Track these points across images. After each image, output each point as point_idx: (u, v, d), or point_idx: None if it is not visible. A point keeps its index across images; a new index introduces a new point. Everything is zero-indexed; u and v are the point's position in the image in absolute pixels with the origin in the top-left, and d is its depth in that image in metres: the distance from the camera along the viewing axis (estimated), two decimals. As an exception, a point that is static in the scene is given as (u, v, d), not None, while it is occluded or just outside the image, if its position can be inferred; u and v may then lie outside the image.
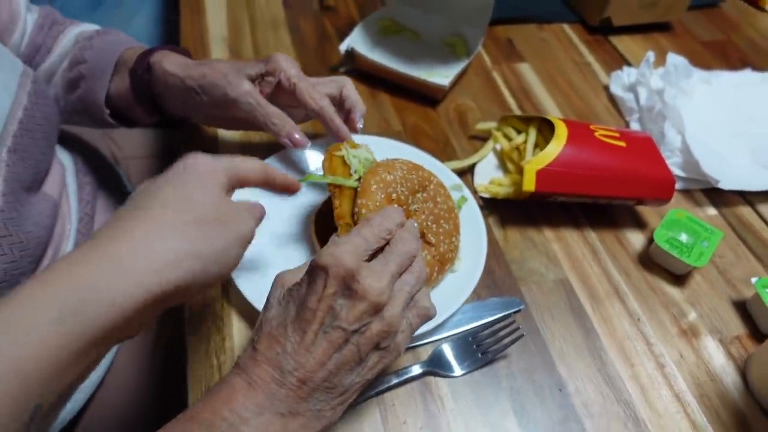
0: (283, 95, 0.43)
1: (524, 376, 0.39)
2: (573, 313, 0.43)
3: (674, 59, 0.58)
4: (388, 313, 0.28)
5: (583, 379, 0.39)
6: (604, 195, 0.46)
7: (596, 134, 0.47)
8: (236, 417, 0.26)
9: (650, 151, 0.48)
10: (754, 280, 0.43)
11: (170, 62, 0.43)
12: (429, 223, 0.40)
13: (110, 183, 0.56)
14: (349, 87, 0.45)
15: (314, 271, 0.28)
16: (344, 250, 0.27)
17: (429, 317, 0.31)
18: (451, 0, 0.59)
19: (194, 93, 0.42)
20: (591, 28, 0.70)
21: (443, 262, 0.39)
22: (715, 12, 0.77)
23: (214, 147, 0.50)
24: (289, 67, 0.42)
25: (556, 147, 0.45)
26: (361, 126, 0.45)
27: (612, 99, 0.61)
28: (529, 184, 0.44)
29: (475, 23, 0.59)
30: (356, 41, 0.59)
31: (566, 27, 0.71)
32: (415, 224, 0.32)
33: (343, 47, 0.58)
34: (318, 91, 0.43)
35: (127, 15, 0.92)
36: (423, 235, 0.39)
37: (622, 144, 0.47)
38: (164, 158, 0.66)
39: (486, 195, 0.48)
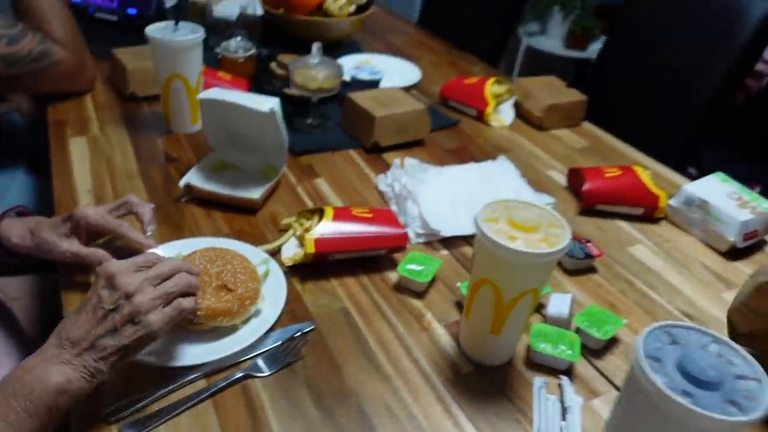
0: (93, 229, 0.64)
1: (316, 370, 0.58)
2: (350, 328, 0.64)
3: (410, 161, 0.88)
4: (136, 300, 0.48)
5: (357, 367, 0.59)
6: (362, 248, 0.70)
7: (353, 212, 0.72)
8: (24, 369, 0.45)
9: (390, 218, 0.73)
10: (458, 284, 0.68)
11: (15, 234, 0.63)
12: (228, 276, 0.60)
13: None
14: (131, 199, 0.67)
15: (96, 276, 0.49)
16: (113, 263, 0.49)
17: (181, 310, 0.52)
18: (258, 147, 0.86)
19: (34, 252, 0.62)
20: (367, 149, 0.99)
21: (242, 299, 0.60)
22: (455, 129, 1.11)
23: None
24: (92, 213, 0.63)
25: (326, 223, 0.69)
26: (151, 229, 0.67)
27: (380, 193, 0.88)
28: (310, 248, 0.67)
29: (278, 156, 0.85)
30: (192, 177, 0.82)
31: (351, 151, 1.00)
32: (196, 270, 0.55)
33: (182, 183, 0.80)
34: (111, 218, 0.64)
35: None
36: (225, 285, 0.60)
37: (370, 215, 0.72)
38: (46, 297, 0.81)
39: (290, 263, 0.70)
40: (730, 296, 0.75)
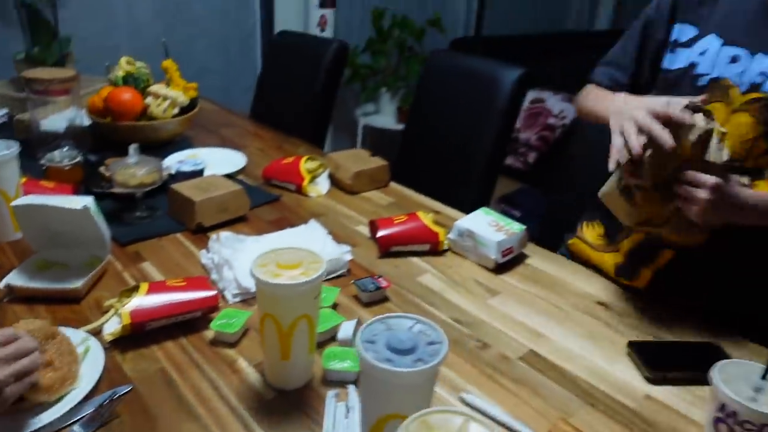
0: None
1: (132, 425, 0.66)
2: (167, 385, 0.72)
3: (225, 234, 1.00)
4: None
5: (172, 416, 0.68)
6: (176, 313, 0.80)
7: (167, 284, 0.83)
8: None
9: (202, 284, 0.84)
10: (263, 328, 0.79)
11: None
12: (57, 355, 0.68)
13: None
14: None
15: None
16: None
17: (30, 384, 0.60)
18: (80, 242, 0.94)
19: None
20: (193, 231, 1.10)
21: (64, 379, 0.67)
22: (277, 203, 1.26)
23: None
24: None
25: (140, 297, 0.79)
26: None
27: (203, 266, 0.99)
28: (126, 320, 0.76)
29: (101, 248, 0.93)
30: (12, 278, 0.88)
31: (179, 235, 1.10)
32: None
33: (1, 284, 0.86)
34: None
35: None
36: (52, 362, 0.67)
37: (184, 284, 0.83)
38: None
39: (111, 338, 0.78)
40: (494, 302, 0.94)
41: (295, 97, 1.82)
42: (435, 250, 1.07)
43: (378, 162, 1.37)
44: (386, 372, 0.52)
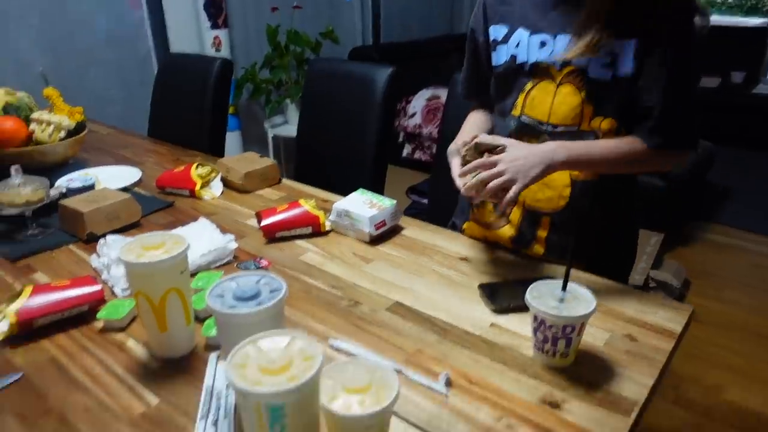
0: None
1: (21, 404, 0.72)
2: (58, 370, 0.78)
3: (111, 237, 1.06)
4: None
5: (62, 392, 0.74)
6: (62, 309, 0.86)
7: (52, 284, 0.88)
8: None
9: (87, 281, 0.90)
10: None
11: None
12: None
13: None
14: None
15: None
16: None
17: None
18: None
19: None
20: (85, 241, 1.15)
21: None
22: (171, 209, 1.32)
23: None
24: None
25: (23, 297, 0.84)
26: None
27: (95, 269, 1.04)
28: (12, 319, 0.81)
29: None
30: None
31: (72, 246, 1.15)
32: None
33: None
34: None
35: None
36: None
37: (68, 283, 0.89)
38: None
39: (1, 338, 0.83)
40: (368, 268, 1.05)
41: (187, 113, 1.88)
42: (317, 231, 1.17)
43: (267, 162, 1.46)
44: (228, 315, 0.61)
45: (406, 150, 3.72)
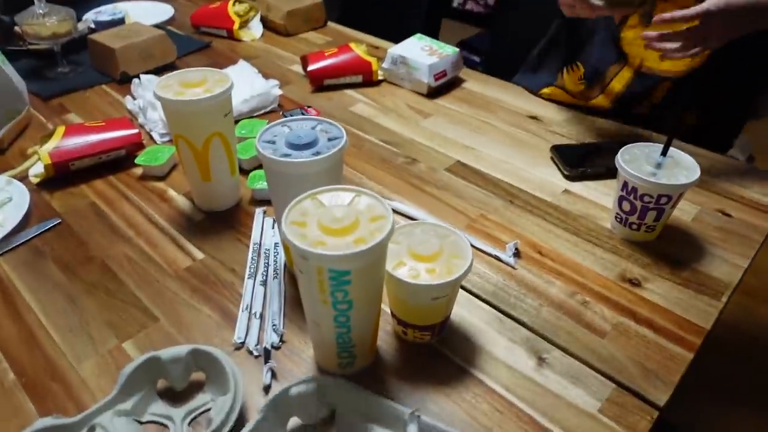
0: None
1: (62, 250, 0.68)
2: (97, 216, 0.74)
3: (146, 77, 0.97)
4: None
5: (102, 240, 0.70)
6: (99, 152, 0.79)
7: (86, 125, 0.81)
8: None
9: (124, 124, 0.83)
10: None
11: None
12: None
13: None
14: None
15: None
16: None
17: None
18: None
19: None
20: (118, 81, 1.06)
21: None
22: (209, 50, 1.20)
23: None
24: None
25: (56, 138, 0.78)
26: None
27: (130, 112, 0.97)
28: (46, 161, 0.75)
29: (17, 100, 0.90)
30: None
31: (105, 86, 1.06)
32: None
33: None
34: None
35: None
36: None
37: (103, 124, 0.82)
38: None
39: (37, 180, 0.78)
40: (426, 123, 0.95)
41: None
42: (369, 80, 1.05)
43: (312, 0, 1.29)
44: (281, 164, 0.53)
45: (458, 0, 3.38)
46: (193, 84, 0.65)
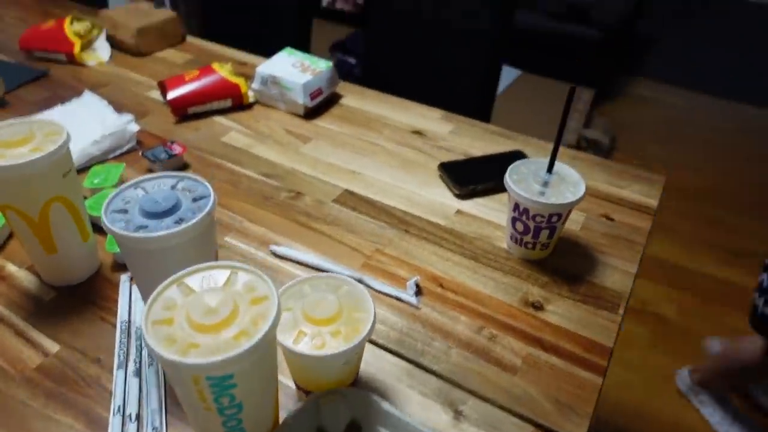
0: None
1: None
2: None
3: None
4: None
5: None
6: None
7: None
8: None
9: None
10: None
11: None
12: None
13: None
14: None
15: None
16: None
17: None
18: None
19: None
20: None
21: None
22: (45, 80, 1.04)
23: None
24: None
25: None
26: None
27: None
28: None
29: None
30: None
31: None
32: None
33: None
34: None
35: None
36: None
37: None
38: None
39: None
40: (306, 149, 0.88)
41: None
42: (239, 104, 0.96)
43: (165, 14, 1.17)
44: (137, 240, 0.44)
45: (326, -2, 3.32)
46: (16, 143, 0.54)
